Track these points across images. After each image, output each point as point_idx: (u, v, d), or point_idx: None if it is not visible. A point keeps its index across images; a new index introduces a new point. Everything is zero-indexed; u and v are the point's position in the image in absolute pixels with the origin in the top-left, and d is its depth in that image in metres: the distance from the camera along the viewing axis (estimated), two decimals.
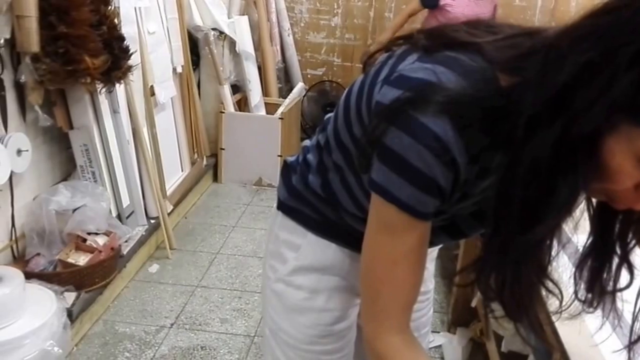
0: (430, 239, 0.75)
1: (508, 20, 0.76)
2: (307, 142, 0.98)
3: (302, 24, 4.09)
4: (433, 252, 1.12)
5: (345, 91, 0.84)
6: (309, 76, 4.14)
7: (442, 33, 0.74)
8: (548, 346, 1.05)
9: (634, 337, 0.77)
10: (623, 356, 0.81)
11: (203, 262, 2.65)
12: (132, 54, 2.26)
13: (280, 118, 3.46)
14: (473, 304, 1.92)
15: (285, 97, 3.74)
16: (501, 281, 0.69)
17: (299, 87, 3.87)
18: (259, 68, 3.69)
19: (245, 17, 3.59)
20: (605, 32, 0.58)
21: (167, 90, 2.89)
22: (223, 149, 3.52)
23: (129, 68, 2.26)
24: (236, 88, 3.63)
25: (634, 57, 0.55)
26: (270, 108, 3.66)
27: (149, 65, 2.66)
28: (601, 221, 0.75)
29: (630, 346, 0.78)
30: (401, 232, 0.71)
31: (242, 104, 3.64)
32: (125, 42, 2.22)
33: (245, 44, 3.51)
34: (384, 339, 0.75)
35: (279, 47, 3.94)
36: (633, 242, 0.75)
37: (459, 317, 2.13)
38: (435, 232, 0.78)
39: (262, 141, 3.50)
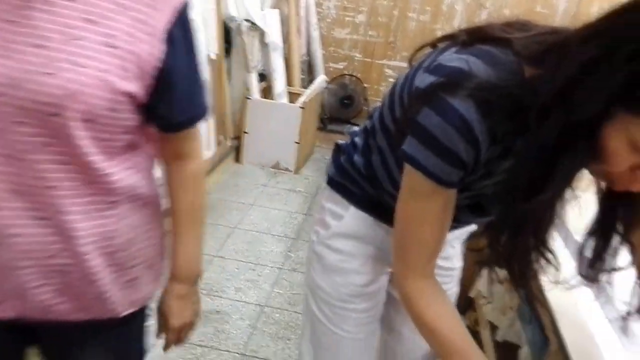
0: (457, 216, 0.86)
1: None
2: (355, 129, 1.10)
3: (329, 20, 4.29)
4: (462, 235, 1.20)
5: (392, 83, 0.94)
6: (330, 69, 4.35)
7: (479, 30, 0.81)
8: (544, 318, 1.14)
9: (632, 309, 0.86)
10: (615, 327, 0.94)
11: (221, 235, 2.91)
12: None
13: (301, 107, 3.69)
14: (471, 294, 2.05)
15: (307, 88, 3.96)
16: (509, 246, 0.78)
17: (321, 79, 4.10)
18: (285, 59, 3.91)
19: (277, 11, 3.80)
20: (607, 32, 0.65)
21: None
22: (246, 133, 3.76)
23: None
24: (262, 76, 3.86)
25: (630, 55, 0.61)
26: (293, 97, 3.88)
27: None
28: (607, 203, 0.82)
29: (627, 317, 0.86)
30: (428, 197, 0.81)
31: (267, 92, 3.87)
32: None
33: (274, 35, 3.73)
34: (411, 283, 0.88)
35: (305, 41, 4.15)
36: (634, 223, 0.82)
37: (456, 306, 2.27)
38: (461, 209, 0.89)
39: (282, 128, 3.72)
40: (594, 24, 0.68)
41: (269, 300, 2.44)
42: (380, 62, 4.38)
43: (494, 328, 1.79)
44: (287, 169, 3.77)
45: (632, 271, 0.86)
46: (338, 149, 1.10)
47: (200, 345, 2.13)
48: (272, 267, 2.69)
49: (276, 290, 2.51)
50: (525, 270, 0.80)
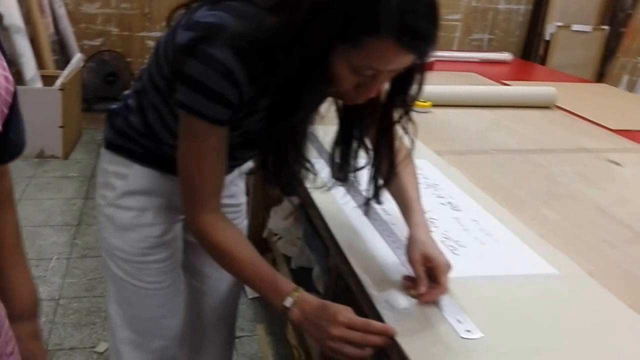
0: (234, 154, 0.97)
1: None
2: (126, 92, 1.14)
3: None
4: (242, 173, 1.33)
5: (155, 45, 1.02)
6: (86, 47, 4.15)
7: None
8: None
9: (369, 195, 1.05)
10: (360, 211, 1.12)
11: None
12: None
13: (59, 89, 3.49)
14: (264, 235, 2.21)
15: (62, 69, 3.74)
16: (276, 163, 0.93)
17: (77, 58, 3.90)
18: (32, 41, 3.62)
19: None
20: None
21: None
22: None
23: None
24: (9, 63, 3.53)
25: (338, 3, 0.77)
26: (48, 80, 3.64)
27: None
28: (344, 117, 1.01)
29: (367, 202, 1.06)
30: (204, 136, 0.91)
31: (17, 78, 3.55)
32: None
33: (13, 16, 3.43)
34: (201, 218, 0.95)
35: (51, 19, 3.88)
36: (365, 130, 1.01)
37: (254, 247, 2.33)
38: (236, 147, 0.99)
39: (41, 114, 3.49)
40: None
41: (62, 292, 2.36)
42: (139, 34, 4.30)
43: (288, 259, 1.98)
44: (53, 156, 3.57)
45: (369, 167, 1.04)
46: (112, 114, 1.15)
47: None
48: (58, 258, 2.60)
49: (68, 281, 2.44)
50: (291, 181, 0.96)
